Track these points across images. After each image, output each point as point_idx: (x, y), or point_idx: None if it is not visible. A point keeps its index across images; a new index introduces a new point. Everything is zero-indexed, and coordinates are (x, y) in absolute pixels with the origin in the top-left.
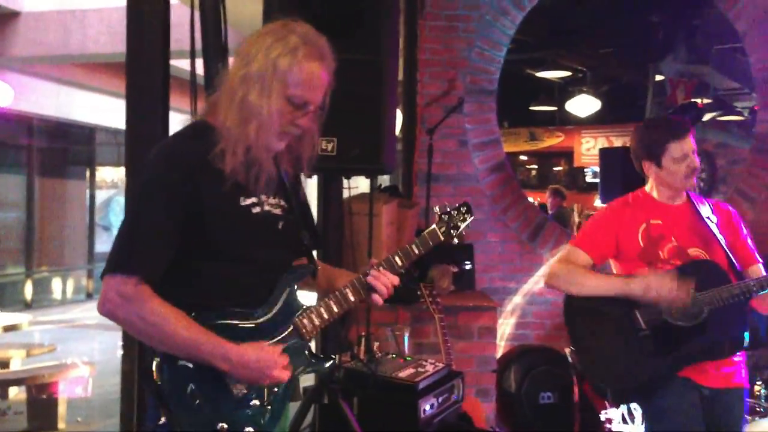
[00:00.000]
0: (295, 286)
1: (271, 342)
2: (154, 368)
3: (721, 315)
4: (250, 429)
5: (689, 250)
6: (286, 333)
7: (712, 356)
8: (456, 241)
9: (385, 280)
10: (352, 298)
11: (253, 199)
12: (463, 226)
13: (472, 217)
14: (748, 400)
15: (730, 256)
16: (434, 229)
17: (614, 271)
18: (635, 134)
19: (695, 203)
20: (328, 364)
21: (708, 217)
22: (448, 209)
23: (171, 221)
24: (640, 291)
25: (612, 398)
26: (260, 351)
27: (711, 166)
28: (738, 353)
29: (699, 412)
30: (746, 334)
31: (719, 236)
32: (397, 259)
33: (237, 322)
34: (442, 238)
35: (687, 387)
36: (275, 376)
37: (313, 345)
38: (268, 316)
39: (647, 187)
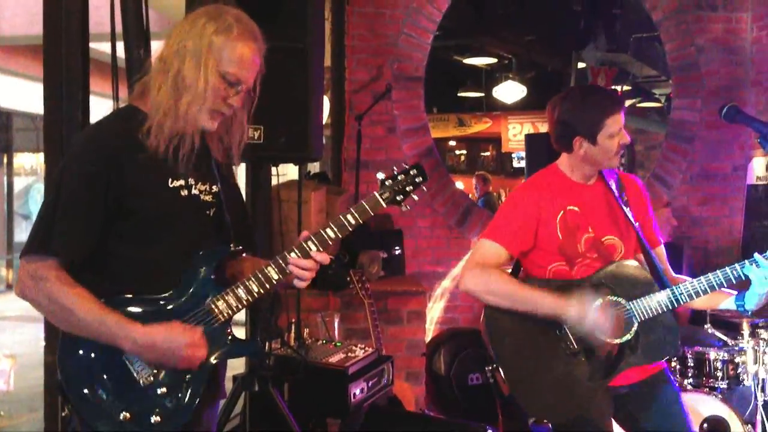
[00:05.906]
0: (212, 267)
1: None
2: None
3: (652, 323)
4: (157, 419)
5: (604, 239)
6: (197, 315)
7: (648, 362)
8: (405, 208)
9: (305, 264)
10: (275, 277)
11: (182, 182)
12: (412, 190)
13: (425, 180)
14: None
15: (644, 242)
16: (374, 195)
17: (522, 265)
18: (566, 106)
19: (608, 182)
20: (251, 348)
21: (622, 197)
22: (395, 173)
23: (91, 205)
24: (575, 319)
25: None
26: (170, 330)
27: (629, 151)
28: (674, 356)
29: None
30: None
31: (632, 220)
32: (329, 231)
33: (147, 306)
34: (385, 205)
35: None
36: (188, 356)
37: (240, 332)
38: (181, 298)
39: (561, 166)
